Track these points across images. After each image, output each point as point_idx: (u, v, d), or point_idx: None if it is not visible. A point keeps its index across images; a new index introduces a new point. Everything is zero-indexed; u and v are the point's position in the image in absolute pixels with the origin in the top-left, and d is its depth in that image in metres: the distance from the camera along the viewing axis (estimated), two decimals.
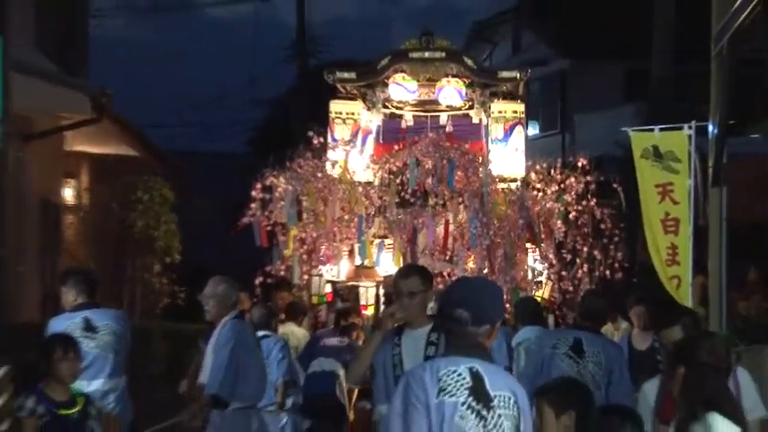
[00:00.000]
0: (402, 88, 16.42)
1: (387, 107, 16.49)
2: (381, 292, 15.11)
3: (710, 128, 13.75)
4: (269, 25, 35.99)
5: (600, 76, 28.15)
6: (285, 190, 16.11)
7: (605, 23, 28.32)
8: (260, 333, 11.62)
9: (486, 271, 15.40)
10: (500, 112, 16.42)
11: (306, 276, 15.94)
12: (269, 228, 16.08)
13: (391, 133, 16.39)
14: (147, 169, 23.47)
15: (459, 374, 5.36)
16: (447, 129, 16.38)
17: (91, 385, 10.36)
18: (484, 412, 5.34)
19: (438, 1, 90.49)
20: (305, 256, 15.95)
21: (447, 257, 15.58)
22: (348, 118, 16.56)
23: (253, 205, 16.21)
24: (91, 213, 22.91)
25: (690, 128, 13.89)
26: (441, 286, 12.96)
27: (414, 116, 16.57)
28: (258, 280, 15.23)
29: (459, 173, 15.93)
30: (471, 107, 16.46)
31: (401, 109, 16.54)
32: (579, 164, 16.35)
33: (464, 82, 16.37)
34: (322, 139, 16.40)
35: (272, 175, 16.35)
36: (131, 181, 22.87)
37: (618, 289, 15.65)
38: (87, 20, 25.62)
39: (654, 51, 23.61)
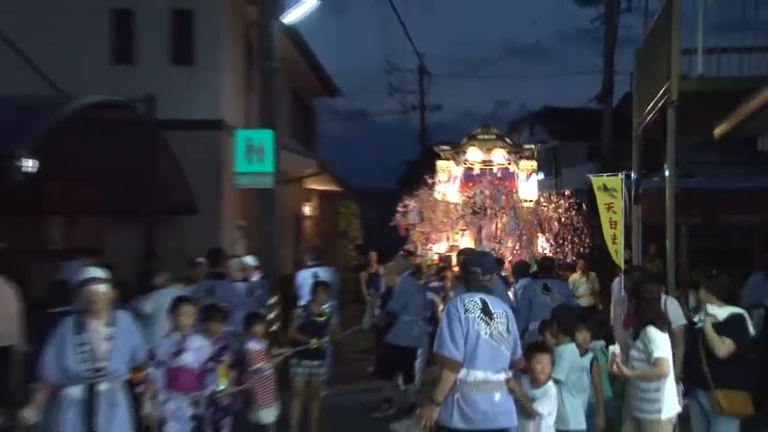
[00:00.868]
0: (474, 153, 17.86)
1: (465, 163, 17.77)
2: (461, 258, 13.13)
3: (633, 174, 14.36)
4: (409, 125, 36.27)
5: (574, 149, 29.80)
6: (413, 206, 17.67)
7: (577, 122, 29.19)
8: (405, 274, 12.17)
9: (516, 247, 16.71)
10: (524, 166, 17.79)
11: (424, 250, 17.03)
12: (405, 226, 17.61)
13: (468, 177, 17.72)
14: (344, 196, 25.53)
15: (475, 302, 5.77)
16: (497, 174, 17.63)
17: (328, 305, 11.17)
18: (488, 320, 5.70)
19: (494, 110, 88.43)
20: (423, 240, 17.30)
21: (497, 241, 16.78)
22: (446, 169, 17.80)
23: (397, 215, 17.94)
24: (317, 220, 25.04)
25: (622, 174, 13.38)
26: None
27: (480, 168, 17.77)
28: (401, 252, 14.50)
29: (503, 197, 17.11)
30: (509, 163, 17.82)
31: (473, 164, 17.79)
32: (565, 193, 18.02)
33: (506, 150, 17.97)
34: (432, 180, 17.96)
35: (407, 199, 18.08)
36: (337, 202, 25.36)
37: (586, 257, 16.50)
38: (315, 121, 27.33)
39: (603, 136, 24.34)
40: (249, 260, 12.75)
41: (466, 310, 5.66)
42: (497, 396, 5.61)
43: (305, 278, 12.92)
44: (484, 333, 5.60)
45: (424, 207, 17.21)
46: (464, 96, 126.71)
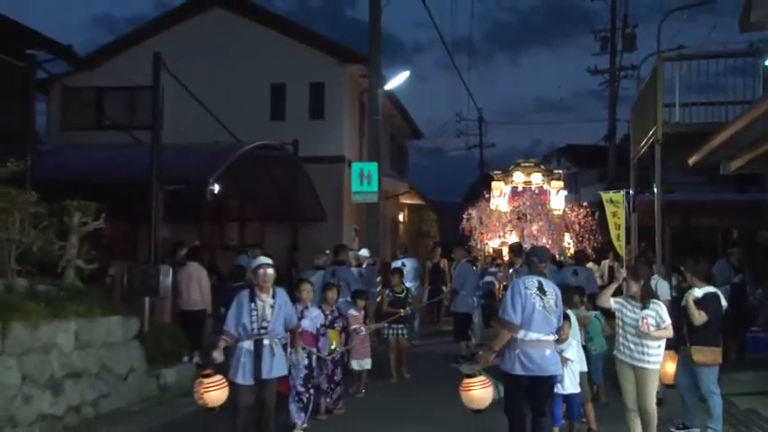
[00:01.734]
0: (518, 176, 17.85)
1: (512, 183, 17.66)
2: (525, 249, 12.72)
3: (631, 191, 14.18)
4: (471, 157, 35.94)
5: (589, 174, 28.68)
6: (475, 214, 17.71)
7: (590, 155, 28.47)
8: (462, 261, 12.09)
9: (549, 243, 16.48)
10: (554, 185, 17.71)
11: (483, 245, 17.06)
12: (469, 228, 17.52)
13: (514, 193, 17.57)
14: (426, 208, 25.06)
15: (533, 282, 5.59)
16: (535, 191, 17.53)
17: (414, 284, 12.27)
18: (542, 296, 5.51)
19: (531, 147, 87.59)
20: (482, 238, 17.33)
21: (535, 239, 16.50)
22: (498, 187, 17.69)
23: (463, 220, 17.87)
24: (407, 224, 24.70)
25: (623, 191, 13.62)
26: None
27: (522, 186, 17.60)
28: (465, 246, 14.72)
29: (539, 207, 17.17)
30: (544, 183, 17.71)
31: (518, 184, 17.65)
32: (584, 204, 18.31)
33: (541, 174, 18.06)
34: (488, 196, 17.86)
35: (470, 209, 18.05)
36: (421, 212, 25.07)
37: (598, 250, 16.37)
38: (406, 155, 27.12)
39: (609, 165, 24.08)
40: (364, 252, 12.74)
41: (526, 287, 5.50)
42: (548, 351, 5.47)
43: (395, 266, 12.75)
44: (539, 305, 5.44)
45: (482, 215, 17.20)
46: (510, 137, 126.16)
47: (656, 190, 12.15)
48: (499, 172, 18.06)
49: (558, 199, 17.47)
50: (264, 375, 5.86)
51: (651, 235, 12.72)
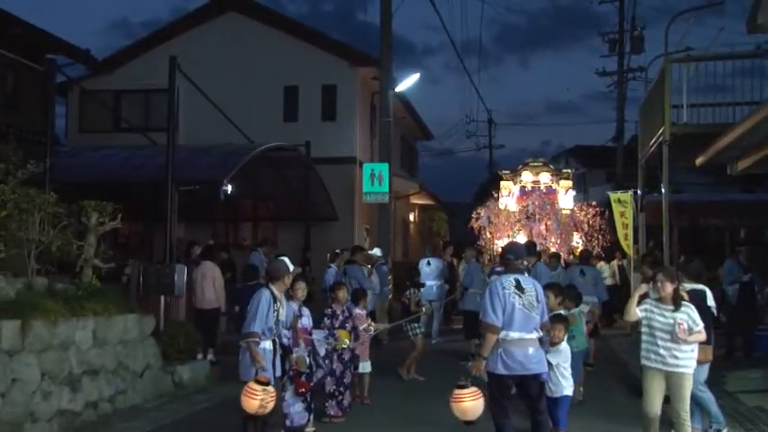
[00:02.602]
0: (527, 175, 17.27)
1: (521, 183, 17.19)
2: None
3: (639, 191, 14.41)
4: (481, 158, 35.79)
5: (597, 174, 28.75)
6: (484, 214, 17.11)
7: (599, 156, 28.47)
8: (474, 260, 12.36)
9: (558, 242, 16.15)
10: (563, 184, 17.14)
11: (491, 244, 16.55)
12: (478, 227, 17.01)
13: (522, 192, 17.13)
14: (436, 208, 25.11)
15: (510, 281, 5.34)
16: (543, 190, 17.05)
17: (437, 283, 12.59)
18: (521, 294, 5.29)
19: (540, 148, 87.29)
20: (491, 237, 16.79)
21: (543, 238, 16.20)
22: (507, 187, 17.24)
23: (473, 219, 17.36)
24: (418, 224, 24.76)
25: (631, 191, 14.47)
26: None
27: (531, 186, 17.15)
28: (476, 245, 15.52)
29: (548, 207, 16.65)
30: (552, 182, 17.20)
31: (526, 183, 17.20)
32: (593, 203, 17.42)
33: (549, 173, 17.41)
34: (496, 195, 17.33)
35: (480, 208, 17.54)
36: (431, 212, 25.01)
37: (607, 249, 16.23)
38: (416, 156, 27.14)
39: (617, 165, 24.06)
40: (376, 251, 12.79)
41: (503, 288, 5.27)
42: (530, 350, 5.26)
43: (422, 265, 13.26)
44: (518, 304, 5.23)
45: (491, 214, 16.80)
46: (519, 138, 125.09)
47: (663, 190, 12.08)
48: (508, 172, 17.64)
49: (566, 198, 16.98)
50: (277, 374, 5.87)
51: (659, 234, 12.62)
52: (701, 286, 6.57)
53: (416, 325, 9.40)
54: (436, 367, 10.14)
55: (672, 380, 5.58)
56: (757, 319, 11.03)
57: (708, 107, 11.09)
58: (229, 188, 11.34)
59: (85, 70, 15.50)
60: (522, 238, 16.27)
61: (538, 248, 15.29)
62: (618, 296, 13.75)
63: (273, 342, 5.89)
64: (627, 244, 14.39)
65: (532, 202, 16.69)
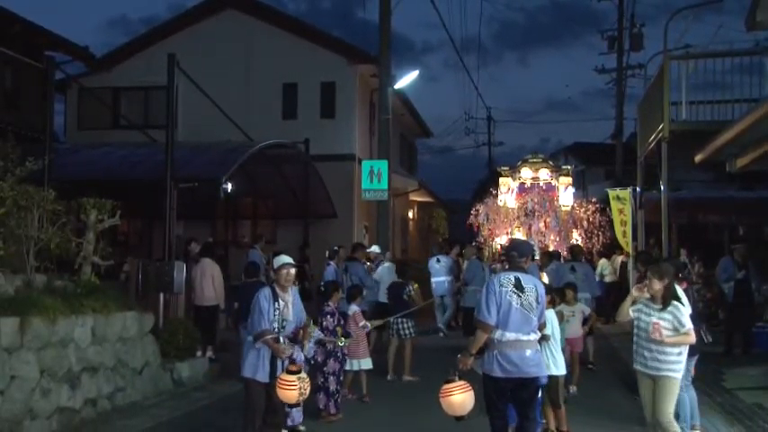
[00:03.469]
0: (526, 172, 16.97)
1: (520, 179, 16.85)
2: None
3: (638, 189, 14.38)
4: (480, 155, 35.90)
5: (596, 171, 28.44)
6: (483, 211, 16.90)
7: (598, 153, 28.51)
8: (474, 257, 12.77)
9: (557, 240, 15.89)
10: (562, 181, 16.84)
11: (490, 242, 16.36)
12: (477, 224, 16.81)
13: (521, 189, 16.80)
14: (435, 205, 25.21)
15: (509, 278, 5.13)
16: (543, 187, 16.76)
17: (447, 279, 12.78)
18: (520, 293, 5.07)
19: (539, 145, 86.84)
20: (490, 234, 16.55)
21: (542, 235, 16.06)
22: (505, 183, 16.90)
23: (471, 217, 17.15)
24: (417, 221, 24.67)
25: (630, 189, 14.32)
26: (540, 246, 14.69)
27: (530, 182, 16.80)
28: (473, 243, 15.78)
29: (547, 204, 16.39)
30: (552, 179, 16.87)
31: (525, 180, 16.84)
32: (592, 200, 17.15)
33: (549, 169, 17.10)
34: (495, 192, 17.07)
35: (478, 205, 17.33)
36: (430, 209, 25.04)
37: (607, 246, 16.08)
38: (416, 154, 27.05)
39: (616, 162, 24.12)
40: (375, 249, 12.82)
41: (501, 285, 5.04)
42: (528, 352, 5.01)
43: (432, 262, 13.47)
44: (515, 303, 4.99)
45: (490, 211, 16.56)
46: (518, 136, 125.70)
47: (662, 187, 12.04)
48: (507, 168, 17.26)
49: (566, 195, 16.65)
50: (279, 373, 5.72)
51: (658, 232, 12.53)
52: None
53: (409, 324, 9.24)
54: (437, 364, 9.87)
55: (656, 383, 5.37)
56: (755, 316, 11.00)
57: (707, 104, 11.09)
58: (228, 186, 11.34)
59: (84, 67, 15.55)
60: (520, 236, 16.07)
61: (537, 247, 15.14)
62: (618, 293, 13.66)
63: (276, 340, 5.74)
64: (625, 241, 14.23)
65: (531, 199, 16.42)
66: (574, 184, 17.83)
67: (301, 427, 6.68)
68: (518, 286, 5.05)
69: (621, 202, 14.30)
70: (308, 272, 14.20)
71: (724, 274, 11.05)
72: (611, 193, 14.68)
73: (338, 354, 7.37)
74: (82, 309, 7.18)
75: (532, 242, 15.50)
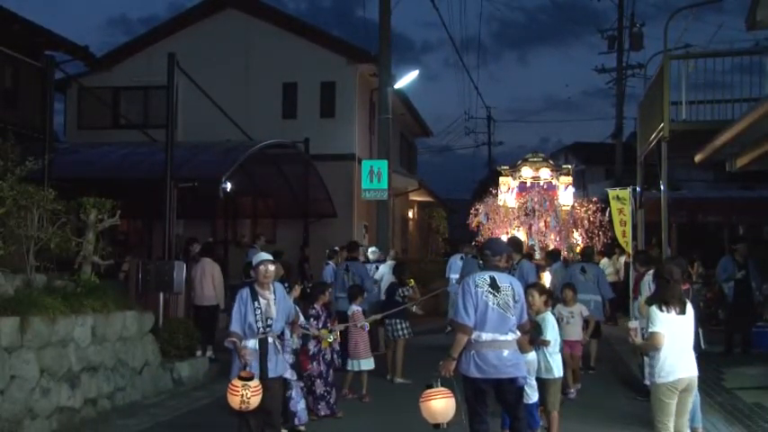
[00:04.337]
0: (526, 171, 17.03)
1: (520, 178, 16.93)
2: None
3: (638, 188, 14.24)
4: (480, 155, 35.93)
5: (596, 171, 28.82)
6: (482, 210, 16.97)
7: (598, 152, 28.58)
8: (468, 256, 11.98)
9: (557, 239, 15.90)
10: (563, 180, 16.91)
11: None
12: (477, 224, 16.85)
13: (521, 188, 16.86)
14: (435, 204, 25.04)
15: (484, 278, 5.07)
16: (543, 186, 16.80)
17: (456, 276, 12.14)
18: (496, 293, 5.00)
19: (539, 145, 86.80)
20: (489, 234, 16.09)
21: (543, 235, 16.09)
22: (505, 183, 16.99)
23: (471, 216, 17.24)
24: (417, 221, 24.67)
25: (630, 188, 13.99)
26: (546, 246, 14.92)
27: (530, 181, 16.87)
28: (473, 242, 14.67)
29: (547, 203, 16.39)
30: (552, 178, 16.93)
31: (526, 179, 16.92)
32: (593, 200, 17.17)
33: (549, 169, 17.14)
34: (495, 191, 17.15)
35: (478, 205, 17.39)
36: (430, 209, 24.94)
37: (608, 246, 16.07)
38: (416, 153, 27.11)
39: (616, 162, 24.28)
40: (373, 250, 12.71)
41: (476, 286, 4.98)
42: (505, 352, 4.94)
43: (455, 259, 13.14)
44: (492, 303, 4.92)
45: (490, 211, 16.63)
46: (518, 135, 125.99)
47: (662, 187, 11.99)
48: (507, 167, 17.30)
49: (566, 195, 16.69)
50: (270, 374, 5.59)
51: (658, 231, 12.51)
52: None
53: (403, 325, 9.07)
54: (437, 365, 10.02)
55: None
56: (755, 316, 10.97)
57: (707, 104, 11.05)
58: (228, 185, 11.34)
59: (84, 67, 15.39)
60: (521, 235, 16.05)
61: (537, 246, 15.55)
62: (619, 293, 13.64)
63: (263, 341, 5.57)
64: (625, 241, 13.72)
65: (532, 199, 16.46)
66: (574, 184, 17.87)
67: (301, 428, 6.63)
68: (494, 286, 4.99)
69: (621, 201, 13.76)
70: (307, 271, 14.27)
71: (724, 274, 11.04)
72: (611, 192, 14.19)
73: (325, 355, 7.26)
74: (82, 308, 7.18)
75: (533, 242, 15.90)
